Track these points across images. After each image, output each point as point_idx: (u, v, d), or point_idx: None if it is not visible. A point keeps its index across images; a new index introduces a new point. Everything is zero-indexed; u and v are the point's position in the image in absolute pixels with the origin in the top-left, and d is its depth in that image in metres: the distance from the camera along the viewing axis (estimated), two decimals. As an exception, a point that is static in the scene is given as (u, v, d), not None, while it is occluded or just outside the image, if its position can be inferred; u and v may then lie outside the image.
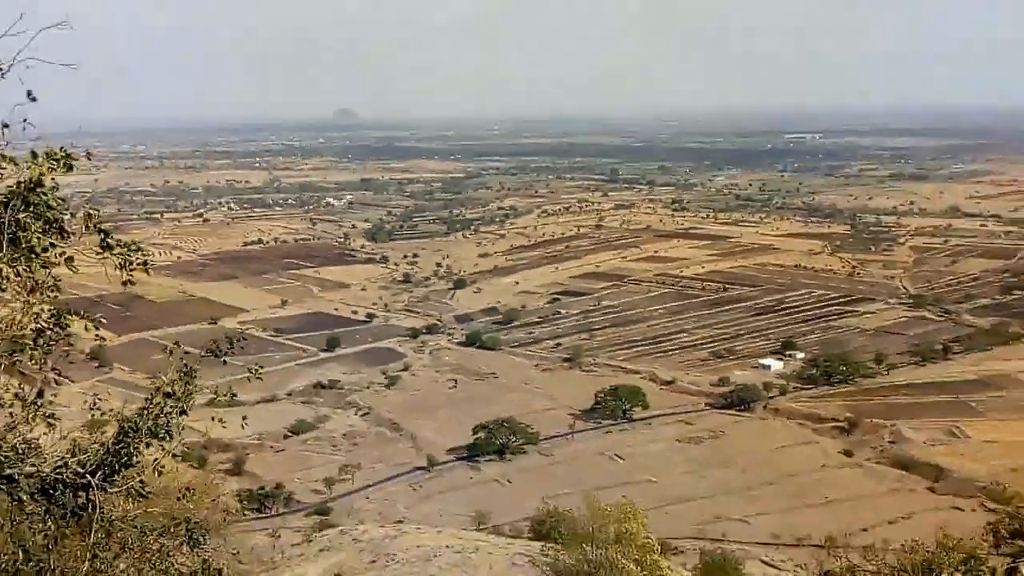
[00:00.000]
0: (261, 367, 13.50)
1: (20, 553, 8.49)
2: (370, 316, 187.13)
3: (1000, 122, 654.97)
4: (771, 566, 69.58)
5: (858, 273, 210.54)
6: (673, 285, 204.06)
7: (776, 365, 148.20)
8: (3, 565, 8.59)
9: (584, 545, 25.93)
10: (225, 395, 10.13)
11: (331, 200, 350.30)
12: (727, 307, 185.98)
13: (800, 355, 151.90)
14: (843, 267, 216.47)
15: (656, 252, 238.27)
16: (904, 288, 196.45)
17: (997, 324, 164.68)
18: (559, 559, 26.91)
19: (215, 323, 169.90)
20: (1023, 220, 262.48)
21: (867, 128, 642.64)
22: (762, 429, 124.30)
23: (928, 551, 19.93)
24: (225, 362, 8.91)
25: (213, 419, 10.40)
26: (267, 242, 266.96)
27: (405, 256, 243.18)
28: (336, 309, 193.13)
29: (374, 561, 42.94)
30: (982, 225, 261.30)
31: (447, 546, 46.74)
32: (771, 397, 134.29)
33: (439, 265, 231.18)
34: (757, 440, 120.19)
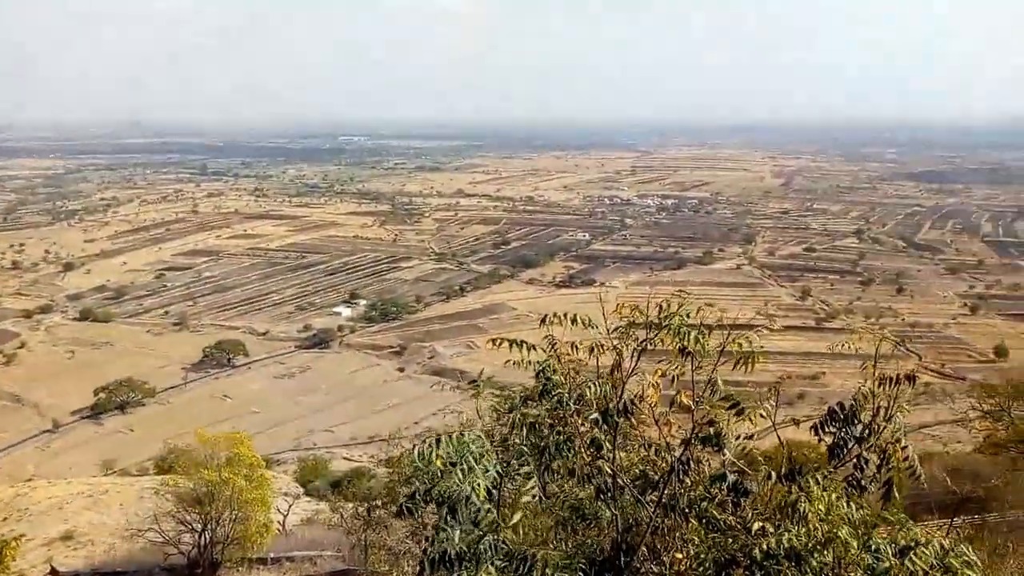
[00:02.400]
0: None
1: None
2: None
3: (497, 130, 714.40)
4: (351, 460, 71.86)
5: (399, 239, 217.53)
6: (261, 256, 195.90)
7: (346, 311, 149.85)
8: None
9: (201, 470, 25.04)
10: None
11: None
12: (305, 270, 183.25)
13: (363, 302, 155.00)
14: (389, 235, 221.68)
15: (245, 230, 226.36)
16: (432, 248, 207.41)
17: (492, 269, 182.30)
18: (180, 485, 25.67)
19: None
20: (505, 198, 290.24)
21: (396, 133, 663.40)
22: (339, 360, 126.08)
23: (457, 430, 22.32)
24: None
25: None
26: None
27: (12, 246, 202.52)
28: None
29: (7, 518, 36.98)
30: (479, 202, 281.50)
31: (78, 493, 41.69)
32: (344, 335, 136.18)
33: (47, 252, 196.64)
34: (336, 369, 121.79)
